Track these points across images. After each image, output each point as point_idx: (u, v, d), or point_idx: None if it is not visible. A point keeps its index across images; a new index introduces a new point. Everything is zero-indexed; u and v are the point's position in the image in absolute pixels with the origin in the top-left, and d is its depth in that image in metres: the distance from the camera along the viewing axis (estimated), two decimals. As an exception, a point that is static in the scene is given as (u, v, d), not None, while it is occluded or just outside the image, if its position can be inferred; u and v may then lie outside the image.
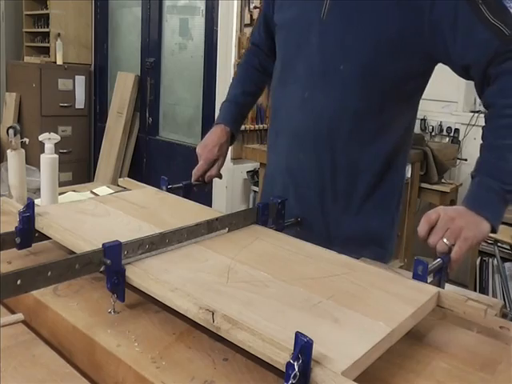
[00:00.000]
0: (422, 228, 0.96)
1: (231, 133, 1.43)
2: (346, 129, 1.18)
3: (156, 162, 4.06)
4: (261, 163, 3.06)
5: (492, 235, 2.82)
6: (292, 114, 1.25)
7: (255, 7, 3.45)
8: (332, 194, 1.22)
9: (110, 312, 0.78)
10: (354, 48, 1.13)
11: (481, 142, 1.06)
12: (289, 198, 1.23)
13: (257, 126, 3.52)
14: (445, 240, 0.94)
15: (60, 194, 1.42)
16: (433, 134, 3.55)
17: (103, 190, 1.56)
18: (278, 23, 1.30)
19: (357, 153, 1.20)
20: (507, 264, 3.00)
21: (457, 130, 3.44)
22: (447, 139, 3.52)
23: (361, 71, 1.13)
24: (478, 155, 1.06)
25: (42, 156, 1.33)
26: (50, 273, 0.72)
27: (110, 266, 0.77)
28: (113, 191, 1.52)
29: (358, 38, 1.12)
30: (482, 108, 3.24)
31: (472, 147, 3.39)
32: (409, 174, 3.07)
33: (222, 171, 1.44)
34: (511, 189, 0.99)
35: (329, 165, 1.21)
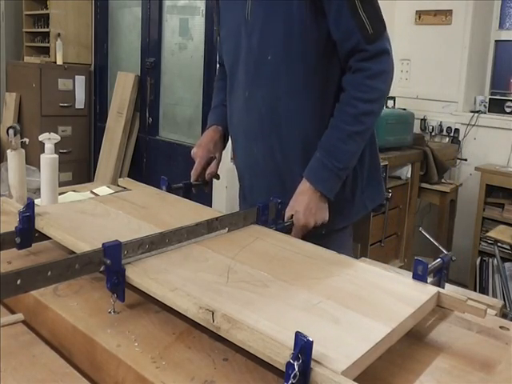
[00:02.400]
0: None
1: (223, 131, 1.46)
2: (284, 114, 1.26)
3: (156, 162, 4.05)
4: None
5: (492, 235, 2.84)
6: (239, 115, 1.35)
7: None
8: (290, 177, 1.27)
9: (110, 312, 0.78)
10: (274, 38, 1.23)
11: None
12: (254, 191, 1.35)
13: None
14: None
15: (60, 194, 1.42)
16: (433, 134, 3.55)
17: (103, 190, 1.56)
18: (221, 37, 1.41)
19: (300, 130, 1.27)
20: (507, 264, 3.01)
21: (457, 130, 3.44)
22: (447, 139, 3.52)
23: (284, 55, 1.23)
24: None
25: (41, 156, 1.33)
26: (49, 273, 0.72)
27: (109, 265, 0.77)
28: (113, 191, 1.52)
29: (276, 28, 1.22)
30: (482, 108, 3.25)
31: (472, 147, 3.39)
32: (409, 174, 3.08)
33: (221, 172, 1.45)
34: (342, 167, 1.19)
35: (278, 149, 1.29)
